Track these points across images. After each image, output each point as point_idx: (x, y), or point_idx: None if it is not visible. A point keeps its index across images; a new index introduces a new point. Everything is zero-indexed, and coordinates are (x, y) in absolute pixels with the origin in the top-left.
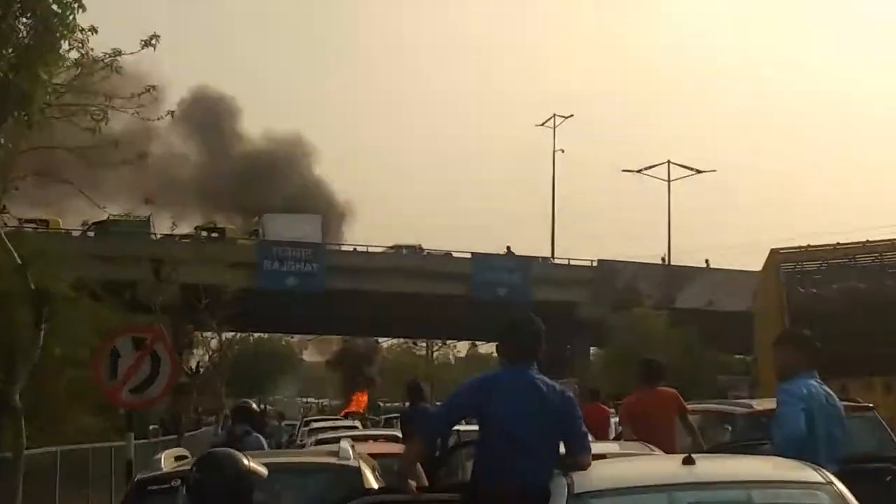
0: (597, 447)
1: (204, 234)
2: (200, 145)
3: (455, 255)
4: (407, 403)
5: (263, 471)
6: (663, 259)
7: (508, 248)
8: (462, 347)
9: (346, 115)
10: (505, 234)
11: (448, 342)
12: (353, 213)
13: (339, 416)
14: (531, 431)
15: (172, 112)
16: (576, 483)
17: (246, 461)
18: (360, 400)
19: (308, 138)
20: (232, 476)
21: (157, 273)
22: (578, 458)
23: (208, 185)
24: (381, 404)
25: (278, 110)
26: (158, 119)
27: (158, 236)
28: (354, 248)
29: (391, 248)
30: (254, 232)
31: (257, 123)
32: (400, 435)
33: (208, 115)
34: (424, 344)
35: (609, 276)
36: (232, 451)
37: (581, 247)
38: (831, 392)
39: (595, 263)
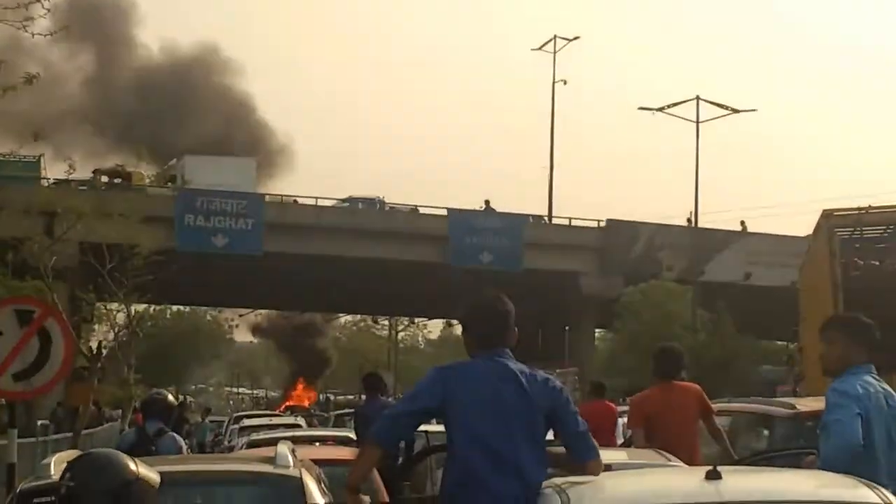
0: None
1: (104, 179)
2: (94, 63)
3: (424, 211)
4: (363, 398)
5: (155, 477)
6: (689, 220)
7: (487, 202)
8: (434, 327)
9: (281, 28)
10: (487, 191)
11: (417, 321)
12: (292, 159)
13: (277, 412)
14: (508, 435)
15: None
16: (572, 501)
17: (133, 465)
18: (305, 392)
19: (229, 55)
20: (114, 485)
21: (48, 229)
22: (588, 463)
23: (108, 117)
24: (332, 398)
25: (188, 22)
26: (50, 35)
27: (51, 181)
28: (295, 201)
29: (343, 200)
30: (170, 179)
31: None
32: (354, 437)
33: (97, 25)
34: (387, 322)
35: (621, 241)
36: (115, 452)
37: (586, 205)
38: (893, 392)
39: (603, 224)
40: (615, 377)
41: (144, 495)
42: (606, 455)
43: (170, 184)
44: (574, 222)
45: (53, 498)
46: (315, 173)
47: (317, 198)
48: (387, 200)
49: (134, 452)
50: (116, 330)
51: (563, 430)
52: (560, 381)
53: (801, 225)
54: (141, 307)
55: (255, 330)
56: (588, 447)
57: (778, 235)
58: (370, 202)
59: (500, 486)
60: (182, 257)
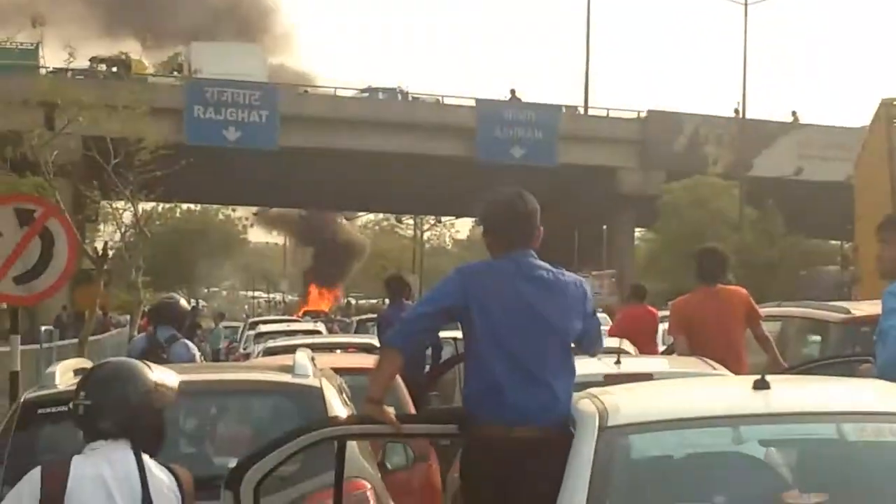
0: (640, 363)
1: (102, 67)
2: None
3: (450, 101)
4: (386, 302)
5: (173, 382)
6: (737, 111)
7: (512, 92)
8: (462, 227)
9: None
10: (515, 83)
11: (443, 220)
12: (291, 47)
13: (295, 317)
14: (534, 340)
15: None
16: (609, 413)
17: (150, 373)
18: (326, 295)
19: None
20: (134, 398)
21: (49, 122)
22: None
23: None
24: (353, 302)
25: None
26: None
27: (50, 69)
28: (305, 90)
29: (363, 91)
30: (176, 68)
31: None
32: (377, 344)
33: None
34: (412, 221)
35: (663, 133)
36: (130, 362)
37: (625, 96)
38: None
39: (643, 115)
40: (656, 280)
41: (164, 400)
42: (646, 364)
43: (175, 73)
44: (612, 113)
45: (69, 408)
46: (329, 63)
47: (335, 87)
48: (409, 91)
49: (145, 360)
50: (123, 230)
51: (587, 327)
52: (597, 283)
53: (858, 115)
54: (149, 205)
55: (273, 222)
56: (594, 342)
57: (832, 126)
58: (391, 92)
59: (525, 396)
60: (192, 152)
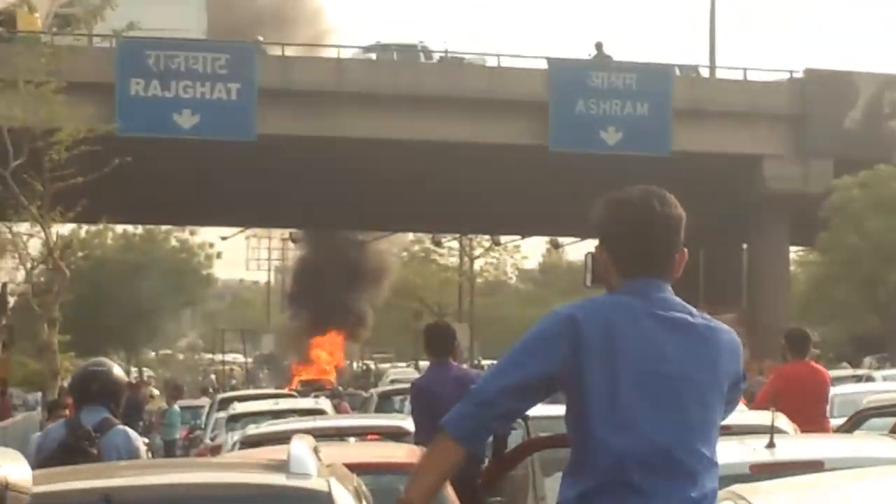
0: (804, 447)
1: None
2: None
3: (508, 64)
4: (421, 365)
5: (27, 483)
6: None
7: (599, 46)
8: (531, 251)
9: None
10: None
11: (503, 241)
12: None
13: (287, 390)
14: (679, 419)
15: None
16: None
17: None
18: (330, 356)
19: None
20: None
21: None
22: None
23: None
24: (372, 366)
25: None
26: None
27: None
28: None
29: (367, 49)
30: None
31: None
32: (409, 428)
33: None
34: (455, 245)
35: (828, 103)
36: None
37: (769, 52)
38: None
39: (799, 76)
40: (819, 323)
41: None
42: (814, 445)
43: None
44: (751, 75)
45: None
46: (332, 14)
47: (338, 47)
48: (431, 48)
49: (65, 456)
50: (29, 266)
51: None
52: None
53: None
54: (66, 228)
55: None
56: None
57: None
58: (408, 51)
59: (662, 498)
60: (128, 147)
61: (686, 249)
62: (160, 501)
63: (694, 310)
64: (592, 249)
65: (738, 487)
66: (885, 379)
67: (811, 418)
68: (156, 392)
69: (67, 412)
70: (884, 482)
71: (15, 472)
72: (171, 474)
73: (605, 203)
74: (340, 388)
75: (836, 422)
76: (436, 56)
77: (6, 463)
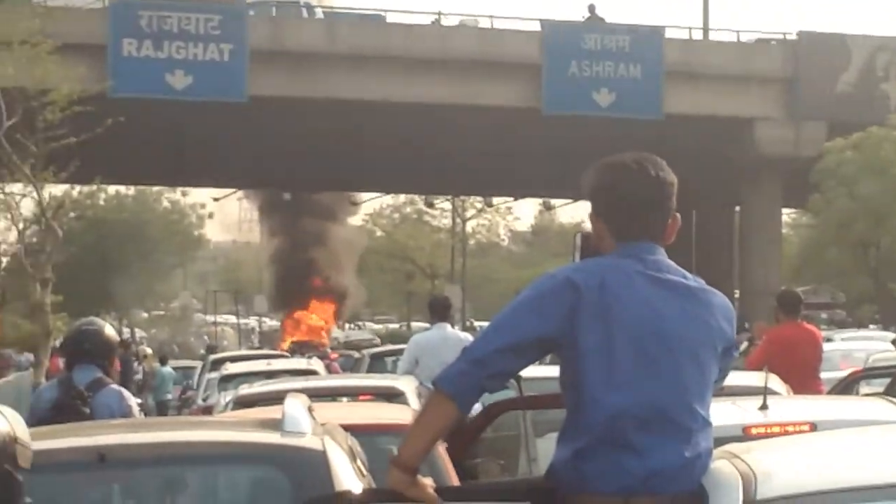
0: (796, 408)
1: None
2: None
3: (501, 26)
4: (412, 326)
5: (27, 439)
6: None
7: (592, 8)
8: (523, 212)
9: None
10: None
11: (495, 202)
12: None
13: (279, 351)
14: (674, 380)
15: None
16: (758, 480)
17: (6, 424)
18: (321, 316)
19: None
20: None
21: None
22: None
23: None
24: (364, 326)
25: None
26: None
27: None
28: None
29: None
30: None
31: None
32: (402, 388)
33: None
34: (448, 206)
35: (821, 66)
36: None
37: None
38: None
39: (792, 38)
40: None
41: (23, 463)
42: (806, 407)
43: None
44: (744, 37)
45: None
46: None
47: (332, 8)
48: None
49: (57, 415)
50: (22, 226)
51: (724, 368)
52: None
53: None
54: (59, 189)
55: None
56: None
57: None
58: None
59: (657, 455)
60: (120, 108)
61: (678, 215)
62: (154, 459)
63: (687, 273)
64: (584, 225)
65: (732, 446)
66: (843, 340)
67: (804, 380)
68: (148, 351)
69: (59, 369)
70: (878, 441)
71: (19, 426)
72: (165, 432)
73: (600, 168)
74: (329, 350)
75: None
76: (318, 12)
77: (10, 418)
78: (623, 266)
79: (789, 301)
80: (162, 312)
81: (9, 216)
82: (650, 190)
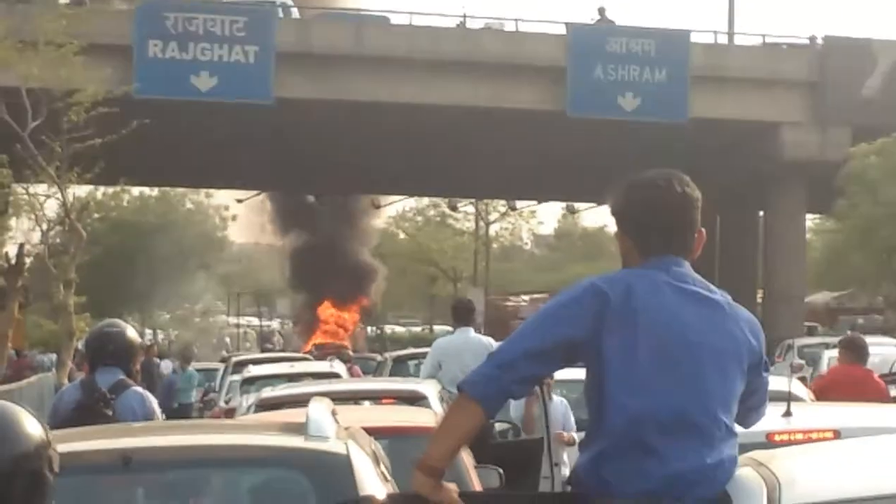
0: (820, 415)
1: None
2: None
3: (526, 29)
4: (435, 329)
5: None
6: None
7: (602, 11)
8: (547, 216)
9: None
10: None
11: (518, 206)
12: None
13: (302, 353)
14: (698, 388)
15: None
16: (783, 488)
17: (34, 425)
18: (344, 319)
19: None
20: (4, 458)
21: None
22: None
23: None
24: (388, 330)
25: None
26: None
27: None
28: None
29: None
30: None
31: None
32: (425, 392)
33: None
34: (471, 209)
35: (847, 71)
36: (12, 408)
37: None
38: None
39: (819, 44)
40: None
41: (53, 469)
42: (830, 414)
43: None
44: (770, 40)
45: None
46: None
47: (358, 11)
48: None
49: (80, 417)
50: (46, 227)
51: (755, 385)
52: None
53: None
54: (83, 190)
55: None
56: (757, 408)
57: None
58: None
59: (678, 459)
60: (145, 109)
61: (704, 230)
62: (179, 462)
63: (713, 287)
64: (607, 229)
65: (756, 453)
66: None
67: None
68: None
69: (82, 371)
70: (883, 448)
71: (47, 430)
72: (189, 435)
73: (627, 188)
74: (350, 353)
75: None
76: (294, 12)
77: (41, 423)
78: (650, 275)
79: (852, 345)
80: (185, 313)
81: (33, 217)
82: (678, 208)
